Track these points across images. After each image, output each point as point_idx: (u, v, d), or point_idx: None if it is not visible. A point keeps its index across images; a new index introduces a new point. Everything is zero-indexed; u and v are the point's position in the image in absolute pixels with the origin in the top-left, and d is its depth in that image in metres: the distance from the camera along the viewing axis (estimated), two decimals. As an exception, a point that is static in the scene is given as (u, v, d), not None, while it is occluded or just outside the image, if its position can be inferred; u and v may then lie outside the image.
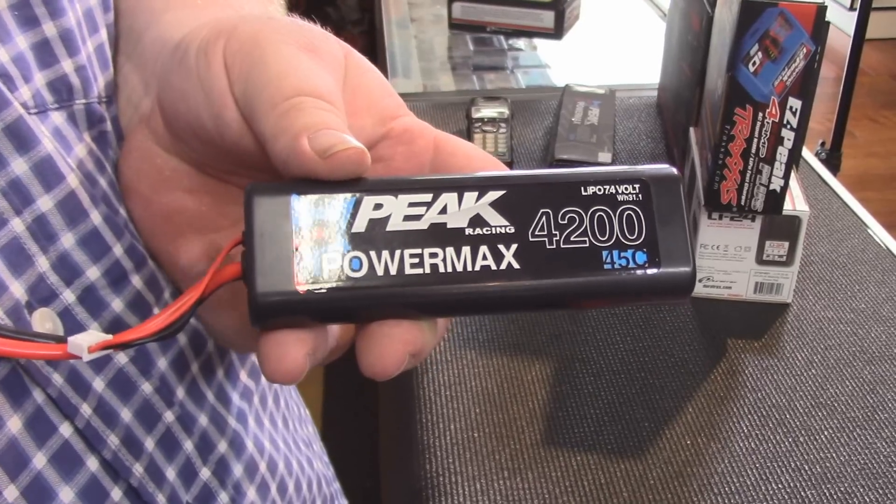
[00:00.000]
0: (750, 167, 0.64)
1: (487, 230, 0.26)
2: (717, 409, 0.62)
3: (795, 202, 0.68)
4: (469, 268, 0.26)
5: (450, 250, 0.26)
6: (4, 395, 0.25)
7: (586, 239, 0.26)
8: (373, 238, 0.26)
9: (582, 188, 0.27)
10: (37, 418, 0.26)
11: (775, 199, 0.65)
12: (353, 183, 0.26)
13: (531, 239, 0.26)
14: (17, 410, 0.25)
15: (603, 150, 0.84)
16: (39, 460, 0.26)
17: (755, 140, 0.63)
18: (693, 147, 0.75)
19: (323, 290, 0.25)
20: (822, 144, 2.11)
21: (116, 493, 0.29)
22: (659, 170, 0.28)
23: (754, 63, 0.61)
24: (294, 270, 0.25)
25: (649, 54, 1.11)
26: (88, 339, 0.25)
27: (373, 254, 0.25)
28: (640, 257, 0.27)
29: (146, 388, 0.30)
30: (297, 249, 0.25)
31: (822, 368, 0.65)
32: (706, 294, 0.72)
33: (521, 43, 1.21)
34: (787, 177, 0.64)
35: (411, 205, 0.26)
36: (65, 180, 0.28)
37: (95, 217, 0.29)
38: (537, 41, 1.20)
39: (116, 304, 0.30)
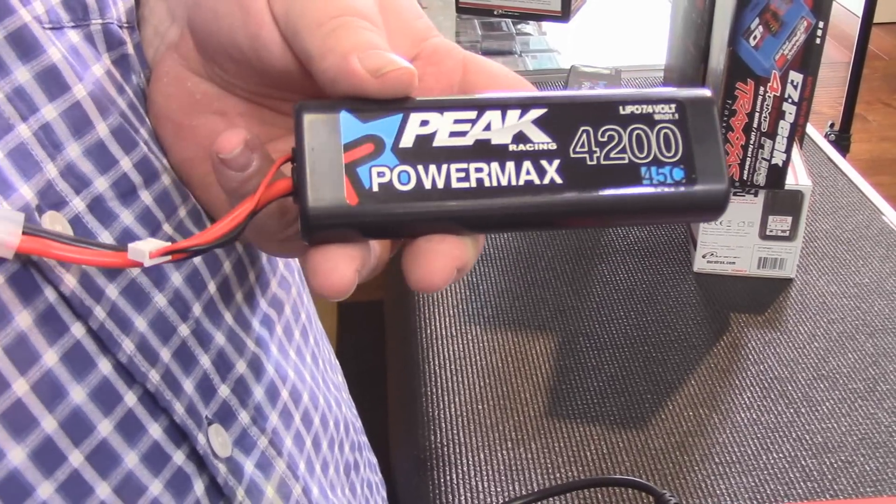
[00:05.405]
0: (752, 141, 0.64)
1: (530, 146, 0.27)
2: (719, 382, 0.62)
3: (798, 177, 0.68)
4: (513, 182, 0.26)
5: (494, 165, 0.27)
6: (14, 291, 0.25)
7: (625, 156, 0.27)
8: (420, 153, 0.26)
9: (620, 107, 0.28)
10: (48, 316, 0.26)
11: (777, 174, 0.65)
12: (399, 101, 0.27)
13: (573, 155, 0.27)
14: (27, 306, 0.26)
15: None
16: (50, 357, 0.26)
17: (756, 114, 0.63)
18: (697, 124, 0.75)
19: (373, 204, 0.26)
20: (832, 125, 2.11)
21: (131, 397, 0.29)
22: (694, 91, 0.28)
23: (755, 37, 0.61)
24: (345, 184, 0.26)
25: (655, 35, 1.11)
26: (148, 247, 0.25)
27: (420, 168, 0.26)
28: (678, 174, 0.27)
29: (160, 300, 0.31)
30: (347, 164, 0.26)
31: (825, 341, 0.66)
32: (709, 269, 0.72)
33: (529, 28, 1.21)
34: (788, 151, 0.64)
35: (456, 122, 0.27)
36: (70, 91, 0.28)
37: (102, 129, 0.29)
38: (546, 26, 1.20)
39: (125, 217, 0.30)
